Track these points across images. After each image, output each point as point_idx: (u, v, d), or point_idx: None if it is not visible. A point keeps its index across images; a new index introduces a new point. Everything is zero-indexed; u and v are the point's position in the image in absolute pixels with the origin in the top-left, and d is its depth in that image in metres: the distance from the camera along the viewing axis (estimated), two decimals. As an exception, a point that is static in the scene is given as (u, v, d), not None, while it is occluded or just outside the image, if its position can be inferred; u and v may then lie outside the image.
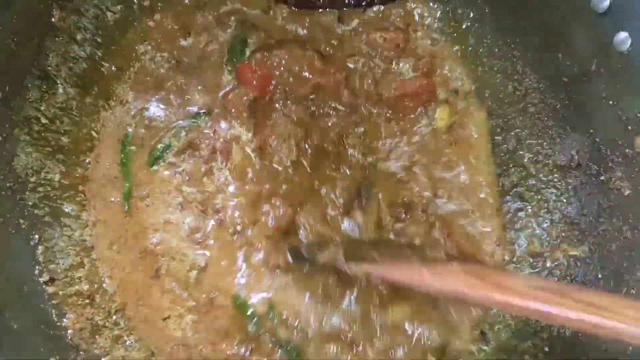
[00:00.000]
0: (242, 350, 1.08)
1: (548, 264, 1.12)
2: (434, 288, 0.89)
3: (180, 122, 1.18)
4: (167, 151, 1.17)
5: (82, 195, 1.15)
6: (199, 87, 1.20)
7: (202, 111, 1.18)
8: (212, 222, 1.14)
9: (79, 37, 1.14)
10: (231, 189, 1.15)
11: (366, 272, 0.99)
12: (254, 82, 1.17)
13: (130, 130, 1.18)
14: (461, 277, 0.86)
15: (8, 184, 1.04)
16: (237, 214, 1.15)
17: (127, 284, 1.11)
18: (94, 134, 1.18)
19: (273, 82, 1.18)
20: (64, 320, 1.03)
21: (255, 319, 1.10)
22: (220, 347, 1.08)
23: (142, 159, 1.17)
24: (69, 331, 1.02)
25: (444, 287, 0.88)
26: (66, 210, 1.13)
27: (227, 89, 1.19)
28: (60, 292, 1.05)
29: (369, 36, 1.23)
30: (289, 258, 1.09)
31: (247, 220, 1.14)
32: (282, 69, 1.17)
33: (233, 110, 1.18)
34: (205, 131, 1.18)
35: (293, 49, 1.18)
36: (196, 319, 1.10)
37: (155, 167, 1.16)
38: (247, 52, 1.20)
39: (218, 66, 1.21)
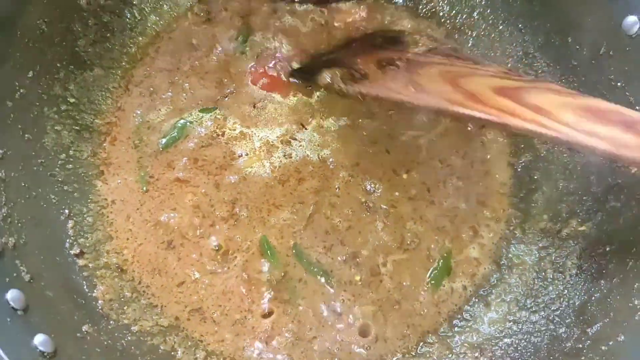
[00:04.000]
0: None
1: (557, 240, 1.14)
2: (419, 101, 1.03)
3: (192, 112, 1.23)
4: (182, 138, 1.20)
5: (107, 173, 1.18)
6: (215, 82, 1.26)
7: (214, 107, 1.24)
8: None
9: (105, 19, 1.21)
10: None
11: (360, 92, 1.11)
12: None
13: (146, 115, 1.23)
14: (439, 83, 1.02)
15: (39, 160, 1.08)
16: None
17: (143, 255, 1.12)
18: (113, 116, 1.22)
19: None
20: (95, 291, 1.05)
21: (274, 261, 1.11)
22: (226, 310, 1.09)
23: (155, 143, 1.21)
24: (100, 302, 1.04)
25: (428, 101, 1.03)
26: (95, 187, 1.17)
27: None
28: (90, 265, 1.08)
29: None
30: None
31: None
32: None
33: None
34: (218, 122, 1.23)
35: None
36: (207, 281, 1.10)
37: (169, 152, 1.20)
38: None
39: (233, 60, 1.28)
